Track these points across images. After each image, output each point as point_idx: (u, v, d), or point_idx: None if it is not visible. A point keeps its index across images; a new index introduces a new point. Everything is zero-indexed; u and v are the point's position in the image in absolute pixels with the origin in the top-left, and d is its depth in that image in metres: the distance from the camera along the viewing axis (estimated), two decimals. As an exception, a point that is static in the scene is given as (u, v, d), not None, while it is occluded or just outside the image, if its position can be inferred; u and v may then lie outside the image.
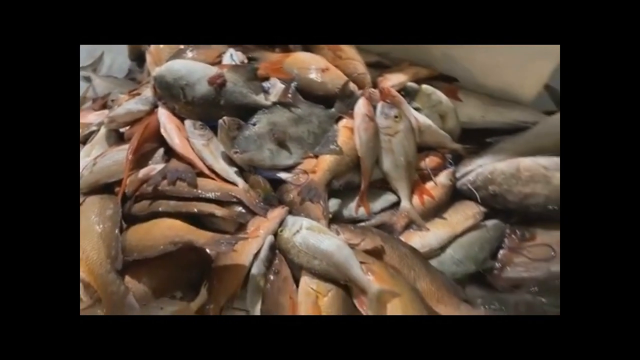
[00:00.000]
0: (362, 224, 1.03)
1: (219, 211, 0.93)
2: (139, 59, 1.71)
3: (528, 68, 1.16)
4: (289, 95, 1.08)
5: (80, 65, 1.62)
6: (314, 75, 1.12)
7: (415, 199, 1.06)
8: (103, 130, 1.18)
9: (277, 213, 0.94)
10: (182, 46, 1.20)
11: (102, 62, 1.72)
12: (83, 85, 1.61)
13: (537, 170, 1.04)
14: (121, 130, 1.17)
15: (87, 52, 1.69)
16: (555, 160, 1.06)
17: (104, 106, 1.42)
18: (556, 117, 1.18)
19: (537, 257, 1.01)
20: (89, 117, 1.29)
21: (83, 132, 1.22)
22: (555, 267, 1.00)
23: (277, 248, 0.92)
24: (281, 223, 0.94)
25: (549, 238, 1.03)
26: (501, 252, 1.03)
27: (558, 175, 1.03)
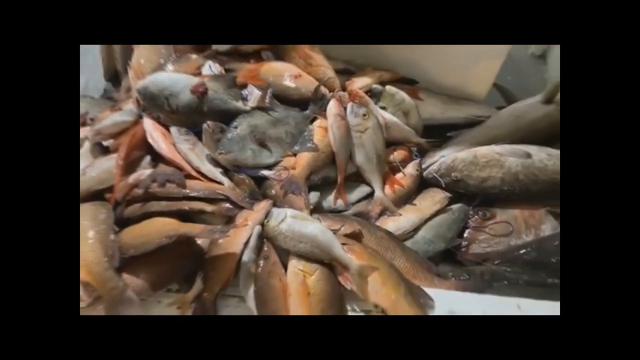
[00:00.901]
0: (341, 213, 1.12)
1: (209, 207, 1.00)
2: (114, 79, 1.76)
3: (477, 67, 1.31)
4: (266, 100, 1.17)
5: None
6: (288, 82, 1.23)
7: (387, 189, 1.17)
8: (87, 145, 1.23)
9: (262, 205, 1.01)
10: (162, 60, 1.27)
11: (78, 83, 1.76)
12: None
13: (492, 156, 1.18)
14: (105, 144, 1.23)
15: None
16: (507, 147, 1.20)
17: (83, 124, 1.47)
18: (506, 111, 1.34)
19: (498, 233, 1.13)
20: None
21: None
22: (514, 241, 1.13)
23: (264, 237, 0.98)
24: (267, 215, 1.00)
25: (507, 216, 1.16)
26: (467, 231, 1.15)
27: (510, 159, 1.17)
